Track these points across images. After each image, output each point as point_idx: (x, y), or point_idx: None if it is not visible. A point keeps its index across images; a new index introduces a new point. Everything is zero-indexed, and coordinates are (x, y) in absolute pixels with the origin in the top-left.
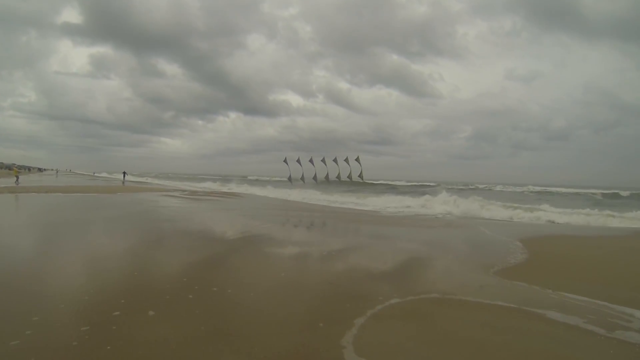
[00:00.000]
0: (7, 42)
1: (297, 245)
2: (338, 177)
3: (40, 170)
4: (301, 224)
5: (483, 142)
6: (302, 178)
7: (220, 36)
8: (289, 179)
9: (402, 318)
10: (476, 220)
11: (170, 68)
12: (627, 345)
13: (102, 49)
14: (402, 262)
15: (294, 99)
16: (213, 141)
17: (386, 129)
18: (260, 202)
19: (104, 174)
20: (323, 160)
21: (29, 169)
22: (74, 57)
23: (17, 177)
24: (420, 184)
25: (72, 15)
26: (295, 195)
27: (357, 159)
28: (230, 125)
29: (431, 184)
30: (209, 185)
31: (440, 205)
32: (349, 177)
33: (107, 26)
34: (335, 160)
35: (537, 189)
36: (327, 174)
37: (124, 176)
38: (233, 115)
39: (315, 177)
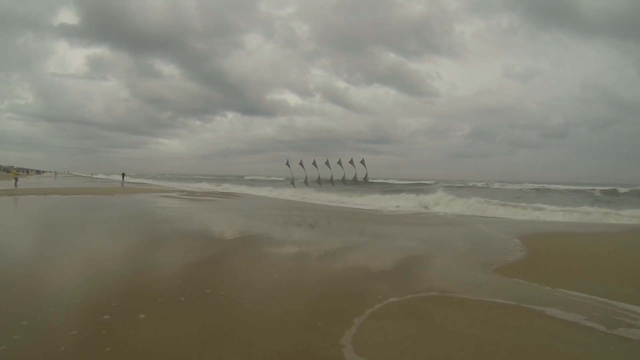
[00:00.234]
0: (4, 44)
1: (296, 245)
2: (343, 180)
3: (38, 172)
4: (299, 223)
5: (481, 140)
6: (306, 181)
7: (217, 36)
8: (292, 182)
9: (402, 316)
10: (474, 218)
11: (168, 68)
12: (627, 341)
13: (99, 50)
14: (401, 261)
15: (292, 99)
16: (211, 141)
17: (384, 127)
18: (258, 202)
19: (101, 175)
20: (327, 163)
21: (27, 171)
22: (71, 58)
23: (16, 180)
24: (418, 182)
25: (68, 16)
26: (293, 194)
27: (362, 161)
28: (228, 125)
29: (429, 182)
30: (203, 186)
31: (437, 204)
32: (355, 179)
33: (103, 27)
34: (339, 162)
35: (536, 186)
36: (332, 176)
37: (123, 177)
38: (231, 115)
39: (319, 180)
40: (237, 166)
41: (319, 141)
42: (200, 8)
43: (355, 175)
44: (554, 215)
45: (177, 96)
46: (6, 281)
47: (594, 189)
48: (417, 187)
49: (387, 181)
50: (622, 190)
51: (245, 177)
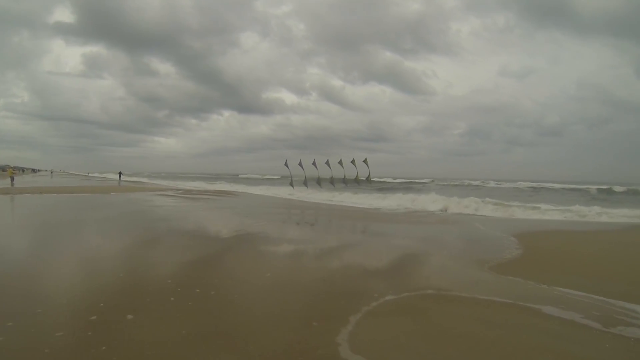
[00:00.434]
0: None
1: (292, 243)
2: (344, 180)
3: (34, 171)
4: (295, 221)
5: (477, 138)
6: (305, 182)
7: (213, 34)
8: (290, 183)
9: (398, 314)
10: (470, 216)
11: (164, 67)
12: (623, 339)
13: (95, 49)
14: (397, 259)
15: (288, 97)
16: (207, 140)
17: (380, 125)
18: (254, 200)
19: (96, 174)
20: (327, 163)
21: (22, 170)
22: (67, 56)
23: (12, 178)
24: (414, 180)
25: (64, 14)
26: (289, 193)
27: (365, 161)
28: (224, 123)
29: (425, 180)
30: (194, 185)
31: (433, 203)
32: (357, 180)
33: (99, 25)
34: (340, 162)
35: (532, 184)
36: (332, 176)
37: (120, 176)
38: (227, 113)
39: (318, 181)
40: (234, 164)
41: (315, 139)
42: (196, 7)
43: (357, 175)
44: (549, 213)
45: (173, 95)
46: None
47: (589, 188)
48: (412, 186)
49: (383, 179)
50: (617, 189)
51: (240, 176)
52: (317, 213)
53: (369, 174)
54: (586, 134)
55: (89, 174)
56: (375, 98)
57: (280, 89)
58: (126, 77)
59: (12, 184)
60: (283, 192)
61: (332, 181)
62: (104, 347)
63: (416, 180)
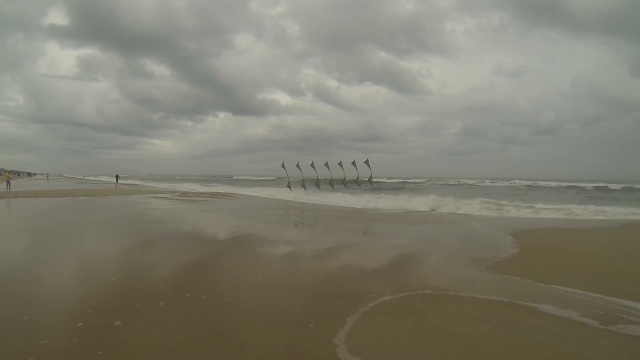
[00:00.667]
0: None
1: (288, 244)
2: (344, 182)
3: (29, 174)
4: (292, 222)
5: (472, 137)
6: (303, 185)
7: (208, 36)
8: (288, 185)
9: (395, 315)
10: (467, 215)
11: (159, 69)
12: (621, 336)
13: (90, 51)
14: (394, 259)
15: (283, 98)
16: (203, 142)
17: (375, 126)
18: (251, 202)
19: (91, 177)
20: (326, 164)
21: (18, 173)
22: (62, 59)
23: (9, 182)
24: (410, 180)
25: (58, 17)
26: (286, 194)
27: (367, 162)
28: (219, 125)
29: (421, 180)
30: (188, 187)
31: (429, 203)
32: (357, 182)
33: (94, 27)
34: (340, 164)
35: (527, 182)
36: (331, 178)
37: (117, 179)
38: (222, 115)
39: (317, 184)
40: (229, 166)
41: (310, 140)
42: (190, 8)
43: (358, 177)
44: (545, 212)
45: (169, 97)
46: None
47: (585, 186)
48: (408, 185)
49: (378, 180)
50: (613, 186)
51: (235, 177)
52: (314, 214)
53: (371, 175)
54: (581, 132)
55: (85, 177)
56: (371, 98)
57: (275, 90)
58: (121, 80)
59: (9, 188)
60: (279, 193)
61: (332, 183)
62: (89, 355)
63: (412, 180)
